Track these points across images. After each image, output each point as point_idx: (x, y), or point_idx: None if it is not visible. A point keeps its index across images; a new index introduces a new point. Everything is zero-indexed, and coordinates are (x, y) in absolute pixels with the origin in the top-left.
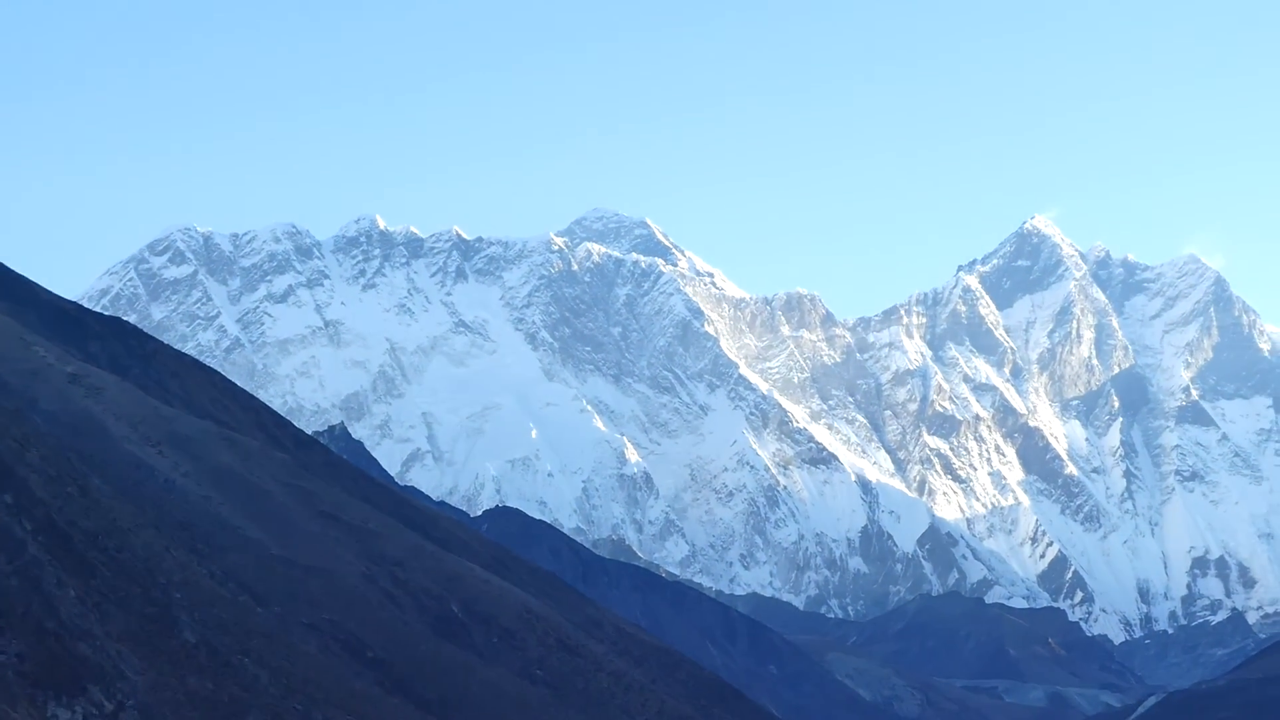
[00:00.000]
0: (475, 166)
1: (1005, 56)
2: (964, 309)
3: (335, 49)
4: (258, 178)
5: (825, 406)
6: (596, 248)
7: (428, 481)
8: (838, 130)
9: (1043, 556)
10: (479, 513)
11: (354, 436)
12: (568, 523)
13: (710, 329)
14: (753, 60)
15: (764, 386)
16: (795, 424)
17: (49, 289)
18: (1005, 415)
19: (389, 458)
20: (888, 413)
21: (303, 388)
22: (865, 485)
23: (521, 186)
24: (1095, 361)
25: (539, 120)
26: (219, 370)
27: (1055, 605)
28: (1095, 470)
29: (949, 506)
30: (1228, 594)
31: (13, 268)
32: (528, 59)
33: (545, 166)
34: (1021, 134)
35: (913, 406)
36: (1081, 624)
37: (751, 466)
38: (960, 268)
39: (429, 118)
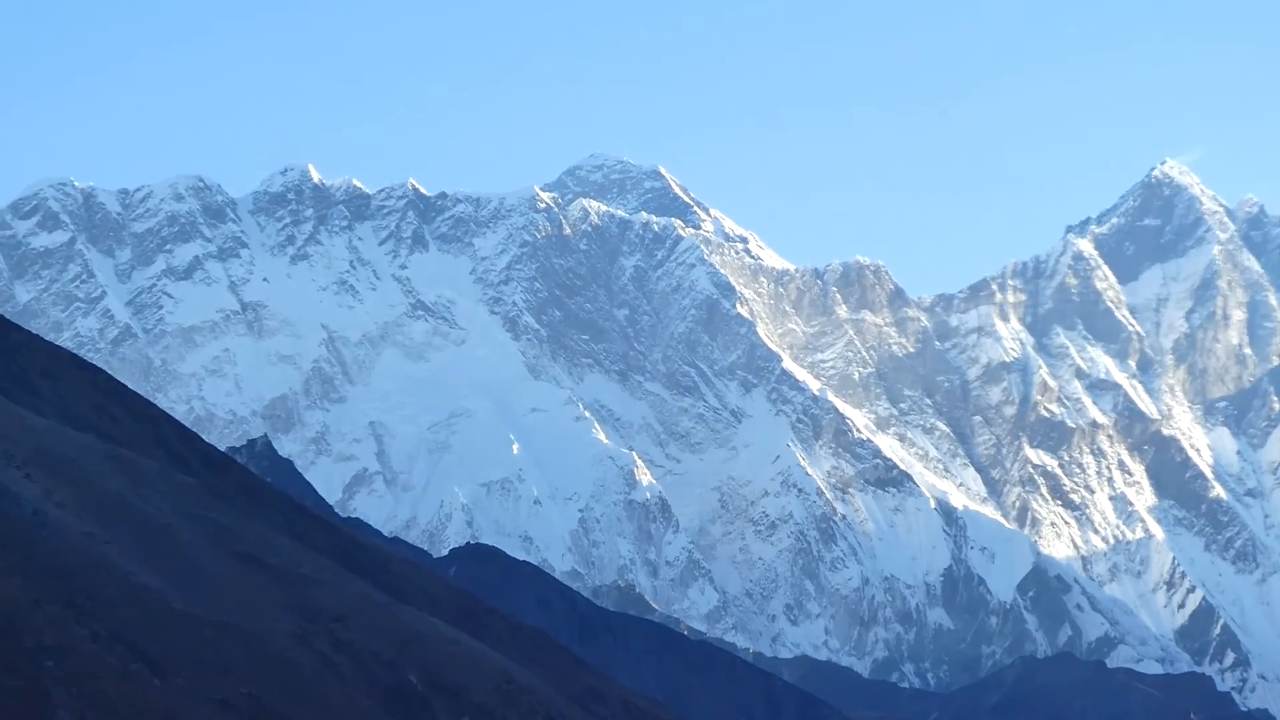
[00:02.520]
0: (436, 102)
1: None
2: (1075, 283)
3: None
4: (154, 118)
5: (895, 411)
6: (595, 205)
7: (378, 511)
8: (906, 53)
9: (1182, 606)
10: (445, 552)
11: (281, 453)
12: (560, 564)
13: (744, 310)
14: None
15: (815, 385)
16: (856, 434)
17: None
18: (1131, 421)
19: (327, 480)
20: (977, 419)
21: (214, 390)
22: (949, 514)
23: (496, 127)
24: (1248, 351)
25: (518, 42)
26: (104, 368)
27: (1199, 670)
28: (1249, 493)
29: (1058, 542)
30: None
31: None
32: None
33: (528, 100)
34: (1148, 57)
35: (1010, 411)
36: (1234, 694)
37: (800, 490)
38: (1070, 229)
39: (376, 40)
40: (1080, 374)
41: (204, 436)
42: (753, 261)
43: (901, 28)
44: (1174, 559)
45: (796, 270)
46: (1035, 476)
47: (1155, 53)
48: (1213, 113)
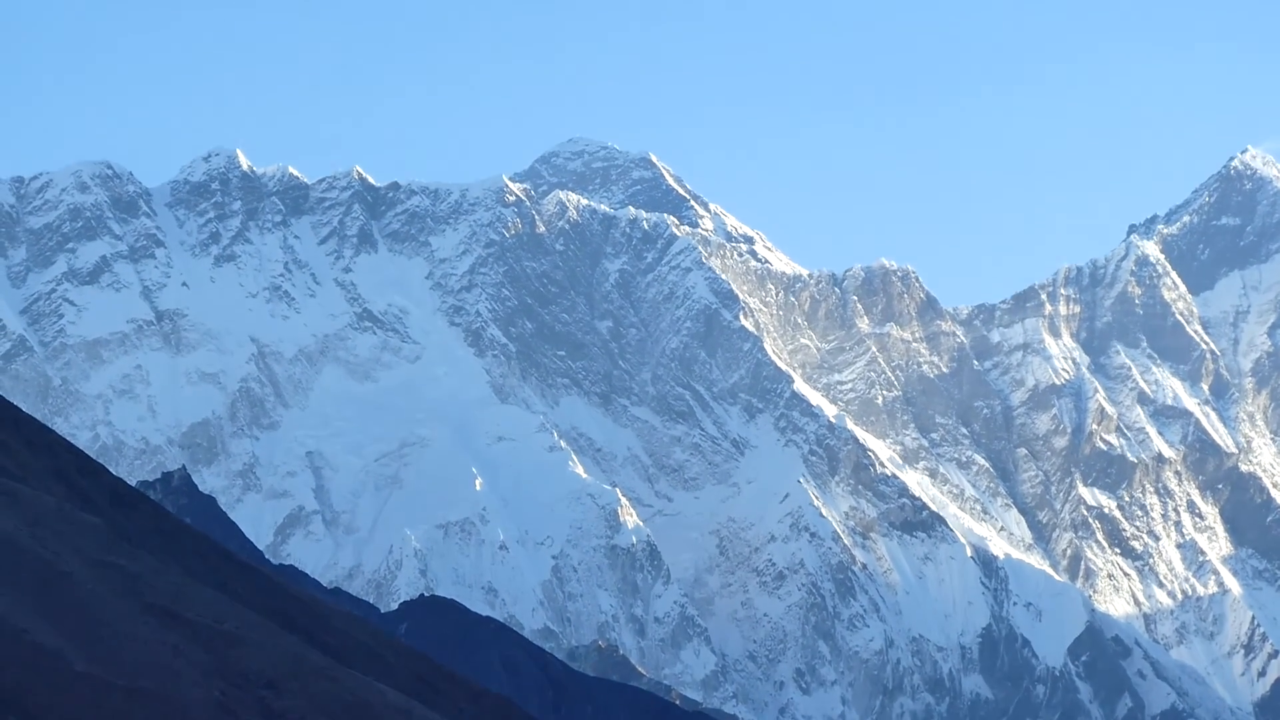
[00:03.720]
0: (387, 77)
1: None
2: (1139, 292)
3: None
4: (53, 94)
5: (926, 442)
6: (574, 198)
7: (316, 557)
8: (941, 26)
9: (1263, 674)
10: (395, 605)
11: (202, 489)
12: (531, 621)
13: (748, 322)
14: None
15: (831, 410)
16: (880, 469)
17: None
18: (1204, 456)
19: (256, 520)
20: (1022, 451)
21: (124, 414)
22: (988, 563)
23: (458, 106)
24: None
25: (484, 7)
26: None
27: None
28: None
29: (1117, 597)
30: None
31: None
32: None
33: (495, 76)
34: (1224, 28)
35: (1061, 442)
36: None
37: (813, 534)
38: (1133, 228)
39: (315, 5)
40: (1144, 399)
41: (111, 469)
42: (759, 265)
43: (935, 2)
44: (1253, 618)
45: (810, 276)
46: (1090, 520)
47: (1232, 23)
48: None
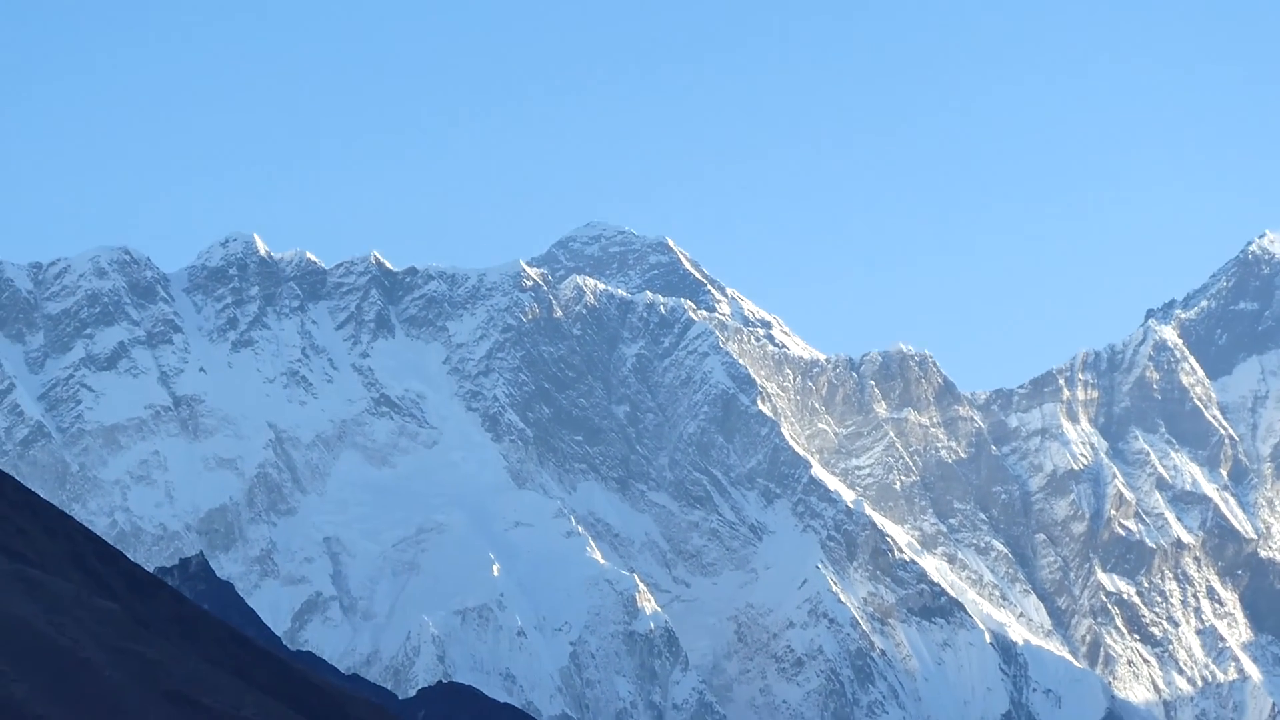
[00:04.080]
0: (405, 162)
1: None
2: (1157, 377)
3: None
4: (71, 180)
5: (945, 528)
6: (591, 283)
7: (334, 643)
8: (956, 110)
9: None
10: (412, 692)
11: (220, 575)
12: (549, 708)
13: (766, 407)
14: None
15: (849, 496)
16: (898, 554)
17: None
18: (1223, 542)
19: (274, 606)
20: (1041, 537)
21: (141, 500)
22: (1007, 650)
23: (475, 191)
24: None
25: (501, 92)
26: (10, 473)
27: None
28: None
29: (1136, 683)
30: None
31: None
32: (484, 6)
33: (512, 160)
34: (1243, 112)
35: (1079, 528)
36: None
37: (832, 620)
38: (1151, 313)
39: (334, 90)
40: (1162, 485)
41: (129, 554)
42: (776, 350)
43: (952, 82)
44: (1274, 705)
45: (828, 360)
46: (1109, 606)
47: (1250, 108)
48: None
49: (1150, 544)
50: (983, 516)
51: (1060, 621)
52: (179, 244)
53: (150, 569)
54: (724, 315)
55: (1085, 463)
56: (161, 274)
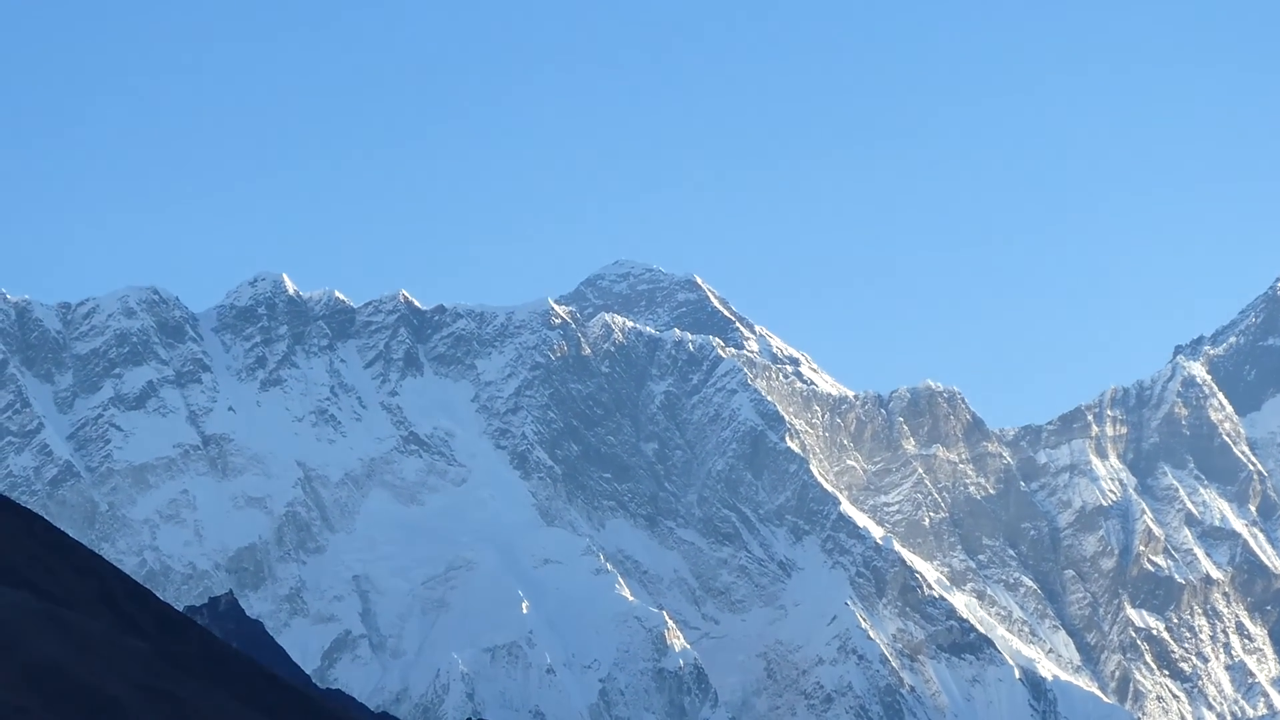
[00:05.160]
0: (433, 200)
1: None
2: (1185, 413)
3: (222, 34)
4: (100, 219)
5: (974, 564)
6: (619, 320)
7: (363, 681)
8: (985, 149)
9: None
10: None
11: (250, 613)
12: None
13: (795, 444)
14: (847, 39)
15: (878, 533)
16: (927, 590)
17: None
18: (1252, 577)
19: (304, 644)
20: (1070, 573)
21: (171, 539)
22: (1036, 685)
23: (503, 228)
24: None
25: (530, 129)
26: (39, 513)
27: None
28: None
29: (1166, 719)
30: None
31: None
32: (511, 42)
33: (540, 198)
34: (1271, 150)
35: (1108, 564)
36: None
37: (861, 656)
38: (1179, 350)
39: (362, 129)
40: (1191, 520)
41: (158, 594)
42: (805, 387)
43: (983, 117)
44: None
45: (856, 397)
46: (1138, 641)
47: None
48: None
49: (1179, 579)
50: (1011, 553)
51: (1089, 657)
52: (208, 283)
53: (180, 608)
54: (752, 352)
55: (1114, 499)
56: (190, 313)
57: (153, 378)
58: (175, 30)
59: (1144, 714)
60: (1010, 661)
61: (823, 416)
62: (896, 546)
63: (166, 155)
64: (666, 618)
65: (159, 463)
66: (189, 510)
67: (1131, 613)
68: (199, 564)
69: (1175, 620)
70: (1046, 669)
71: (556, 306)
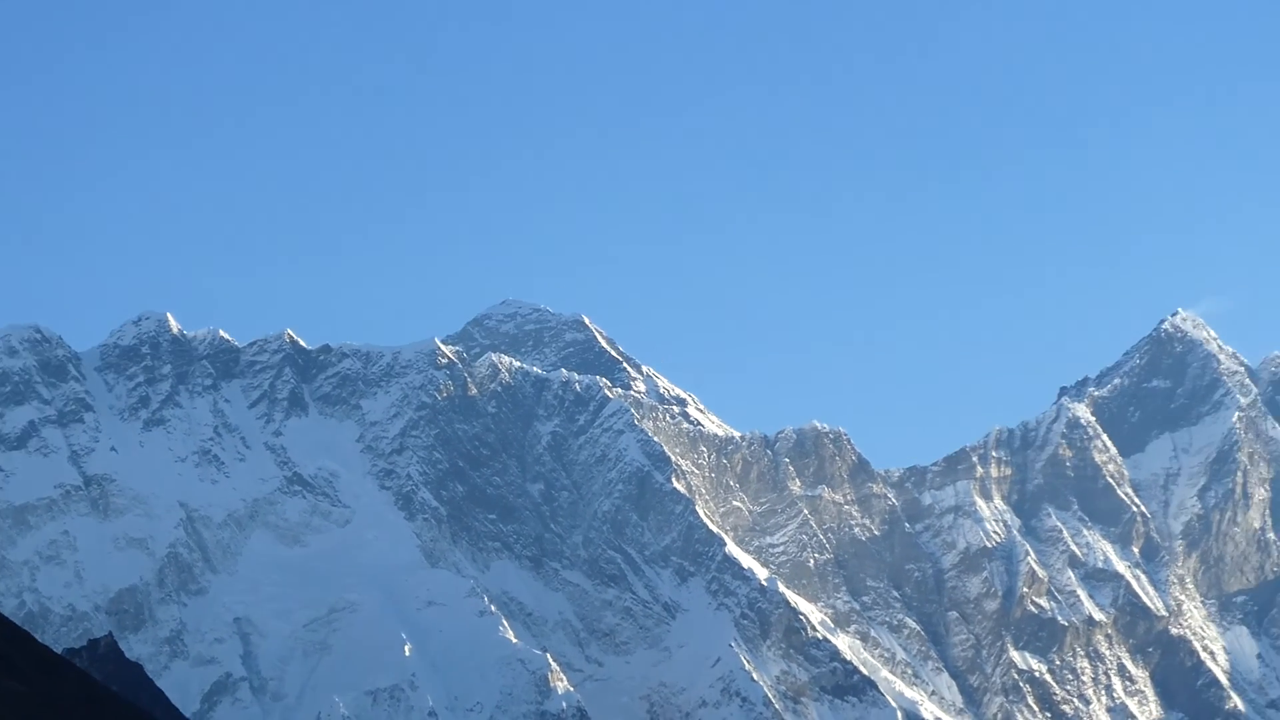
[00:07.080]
0: (318, 239)
1: (1131, 84)
2: (1070, 454)
3: (100, 65)
4: None
5: (858, 605)
6: (506, 360)
7: None
8: (870, 183)
9: None
10: None
11: (129, 655)
12: None
13: (681, 485)
14: (748, 66)
15: (763, 574)
16: (811, 632)
17: None
18: (1134, 619)
19: (184, 687)
20: (953, 615)
21: (51, 581)
22: None
23: (389, 267)
24: (1271, 535)
25: (416, 168)
26: None
27: None
28: (1272, 704)
29: None
30: None
31: None
32: (395, 79)
33: (427, 237)
34: (1158, 190)
35: (992, 605)
36: None
37: (744, 699)
38: (1064, 391)
39: (247, 165)
40: (1075, 562)
41: (37, 636)
42: (691, 428)
43: (865, 165)
44: None
45: (743, 438)
46: (1021, 683)
47: (1167, 186)
48: (1234, 257)
49: (1062, 621)
50: (895, 594)
51: (972, 699)
52: (91, 322)
53: (59, 650)
54: (639, 393)
55: (998, 540)
56: (73, 352)
57: (34, 417)
58: (56, 62)
59: None
60: (893, 704)
61: (709, 457)
62: (781, 588)
63: (49, 192)
64: (550, 660)
65: (40, 503)
66: (69, 551)
67: (1014, 654)
68: (79, 605)
69: (1058, 662)
70: (929, 711)
71: (443, 346)
